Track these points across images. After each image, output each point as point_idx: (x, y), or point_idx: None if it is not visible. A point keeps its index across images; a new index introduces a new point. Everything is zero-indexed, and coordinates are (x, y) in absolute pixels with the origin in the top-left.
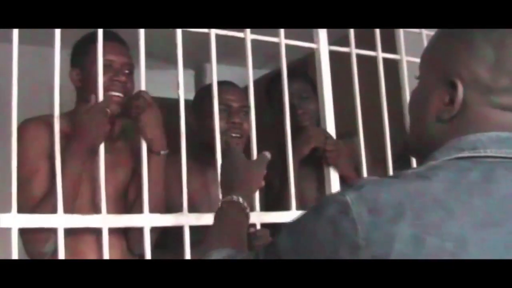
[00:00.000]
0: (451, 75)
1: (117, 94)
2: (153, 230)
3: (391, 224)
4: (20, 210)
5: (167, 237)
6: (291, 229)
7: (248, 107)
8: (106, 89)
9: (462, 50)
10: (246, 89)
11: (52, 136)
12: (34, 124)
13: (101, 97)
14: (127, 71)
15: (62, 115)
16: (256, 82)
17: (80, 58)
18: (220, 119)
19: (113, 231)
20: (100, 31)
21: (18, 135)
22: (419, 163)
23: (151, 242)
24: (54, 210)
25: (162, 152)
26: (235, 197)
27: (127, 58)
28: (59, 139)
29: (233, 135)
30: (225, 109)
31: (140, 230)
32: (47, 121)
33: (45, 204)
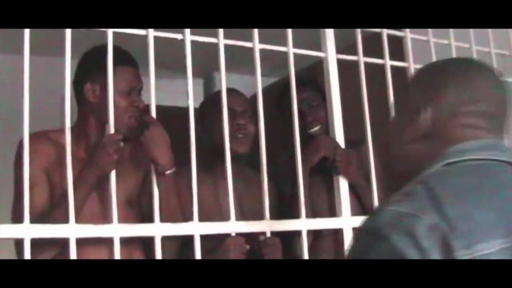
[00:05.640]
0: (423, 103)
1: (132, 118)
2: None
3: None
4: (16, 222)
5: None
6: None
7: (252, 111)
8: (124, 113)
9: (434, 82)
10: (255, 97)
11: (49, 149)
12: (32, 139)
13: (112, 118)
14: (139, 93)
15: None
16: (264, 90)
17: (100, 74)
18: (229, 122)
19: (127, 241)
20: (110, 49)
21: (18, 150)
22: (403, 182)
23: (173, 251)
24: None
25: (167, 172)
26: None
27: (142, 82)
28: (60, 152)
29: (239, 135)
30: (229, 113)
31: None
32: (45, 135)
33: (46, 217)
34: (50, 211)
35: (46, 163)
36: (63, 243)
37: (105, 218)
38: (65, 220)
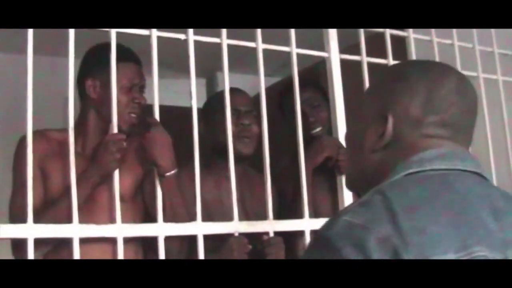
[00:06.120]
0: (385, 111)
1: (134, 115)
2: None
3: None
4: (13, 218)
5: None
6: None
7: (256, 111)
8: (125, 109)
9: (398, 89)
10: (257, 97)
11: (44, 145)
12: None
13: (115, 117)
14: (142, 90)
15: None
16: (267, 90)
17: (101, 71)
18: (232, 122)
19: (129, 240)
20: (113, 49)
21: (17, 149)
22: (362, 194)
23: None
24: (54, 220)
25: (168, 174)
26: None
27: (144, 79)
28: (55, 148)
29: (244, 137)
30: (233, 113)
31: (170, 240)
32: (42, 133)
33: (46, 214)
34: (48, 207)
35: (40, 159)
36: (57, 240)
37: (99, 213)
38: (65, 218)
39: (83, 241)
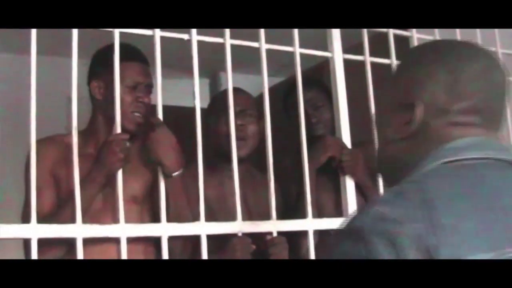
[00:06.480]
0: (411, 98)
1: (138, 114)
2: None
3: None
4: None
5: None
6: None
7: (253, 110)
8: (129, 108)
9: (421, 75)
10: (260, 97)
11: (56, 151)
12: (41, 144)
13: (118, 117)
14: (148, 89)
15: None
16: (270, 90)
17: (105, 71)
18: (224, 123)
19: (136, 240)
20: (117, 48)
21: (28, 155)
22: (389, 181)
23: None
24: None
25: (173, 174)
26: None
27: (150, 78)
28: (67, 152)
29: (236, 137)
30: (227, 113)
31: (176, 239)
32: (53, 138)
33: (54, 217)
34: (58, 210)
35: (52, 165)
36: (70, 242)
37: (108, 215)
38: (72, 220)
39: (90, 241)
